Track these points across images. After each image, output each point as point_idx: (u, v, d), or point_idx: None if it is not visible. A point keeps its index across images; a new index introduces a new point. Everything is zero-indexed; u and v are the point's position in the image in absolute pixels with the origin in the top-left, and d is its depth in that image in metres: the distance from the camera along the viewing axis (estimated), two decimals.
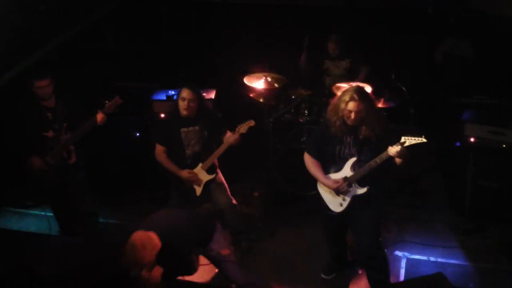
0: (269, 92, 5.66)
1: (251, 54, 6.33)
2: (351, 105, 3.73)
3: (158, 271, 3.26)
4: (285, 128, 5.81)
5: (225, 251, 3.75)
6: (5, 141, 4.67)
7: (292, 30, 6.67)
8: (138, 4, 7.16)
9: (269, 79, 5.56)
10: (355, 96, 3.73)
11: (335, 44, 5.86)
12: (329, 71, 6.00)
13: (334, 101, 3.93)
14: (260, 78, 5.58)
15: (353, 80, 5.62)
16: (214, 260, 3.82)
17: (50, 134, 4.51)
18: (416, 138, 3.64)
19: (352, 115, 3.74)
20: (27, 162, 4.48)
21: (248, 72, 5.70)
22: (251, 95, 5.82)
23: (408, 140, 3.64)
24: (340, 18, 6.74)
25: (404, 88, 5.40)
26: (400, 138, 3.67)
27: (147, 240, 3.22)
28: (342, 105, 3.77)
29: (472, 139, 4.95)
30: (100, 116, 4.49)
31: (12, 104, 4.53)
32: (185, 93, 4.43)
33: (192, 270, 3.55)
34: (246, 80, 5.61)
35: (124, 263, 3.19)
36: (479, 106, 5.48)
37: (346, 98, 3.76)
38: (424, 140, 3.63)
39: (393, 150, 3.65)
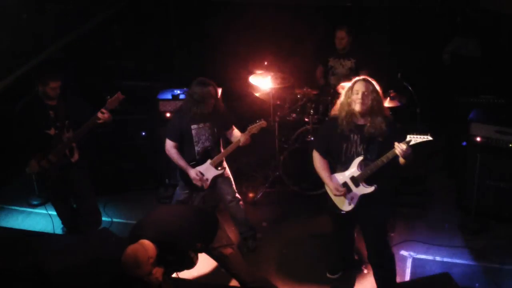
0: (275, 91, 5.65)
1: (258, 53, 6.32)
2: (358, 85, 3.76)
3: (158, 272, 3.26)
4: (291, 127, 5.80)
5: (228, 250, 3.74)
6: (8, 139, 4.67)
7: (299, 30, 6.68)
8: (145, 3, 7.19)
9: (275, 79, 5.56)
10: (361, 78, 3.79)
11: (343, 34, 5.77)
12: (334, 70, 5.99)
13: (341, 98, 3.91)
14: (266, 77, 5.58)
15: None
16: (218, 259, 3.81)
17: (52, 131, 4.50)
18: (422, 136, 3.59)
19: (360, 97, 3.72)
20: (30, 160, 4.49)
21: (254, 71, 5.70)
22: (256, 94, 5.82)
23: (414, 139, 3.60)
24: (347, 18, 6.73)
25: (410, 88, 5.38)
26: (406, 137, 3.64)
27: (141, 252, 3.17)
28: (349, 92, 3.79)
29: (478, 138, 4.92)
30: (101, 113, 4.39)
31: (16, 103, 4.54)
32: (216, 91, 4.44)
33: (191, 265, 3.56)
34: (252, 79, 5.61)
35: (125, 274, 3.20)
36: (486, 105, 5.44)
37: (353, 81, 3.81)
38: (430, 138, 3.59)
39: (398, 148, 3.62)
